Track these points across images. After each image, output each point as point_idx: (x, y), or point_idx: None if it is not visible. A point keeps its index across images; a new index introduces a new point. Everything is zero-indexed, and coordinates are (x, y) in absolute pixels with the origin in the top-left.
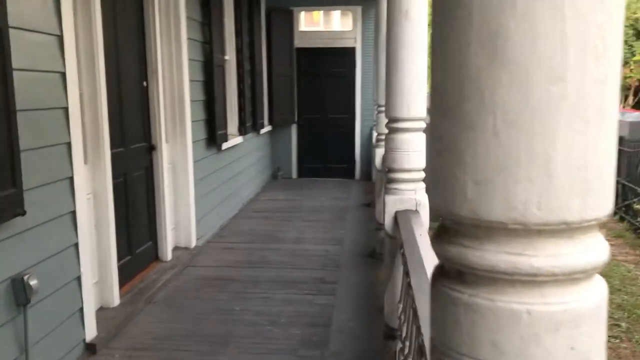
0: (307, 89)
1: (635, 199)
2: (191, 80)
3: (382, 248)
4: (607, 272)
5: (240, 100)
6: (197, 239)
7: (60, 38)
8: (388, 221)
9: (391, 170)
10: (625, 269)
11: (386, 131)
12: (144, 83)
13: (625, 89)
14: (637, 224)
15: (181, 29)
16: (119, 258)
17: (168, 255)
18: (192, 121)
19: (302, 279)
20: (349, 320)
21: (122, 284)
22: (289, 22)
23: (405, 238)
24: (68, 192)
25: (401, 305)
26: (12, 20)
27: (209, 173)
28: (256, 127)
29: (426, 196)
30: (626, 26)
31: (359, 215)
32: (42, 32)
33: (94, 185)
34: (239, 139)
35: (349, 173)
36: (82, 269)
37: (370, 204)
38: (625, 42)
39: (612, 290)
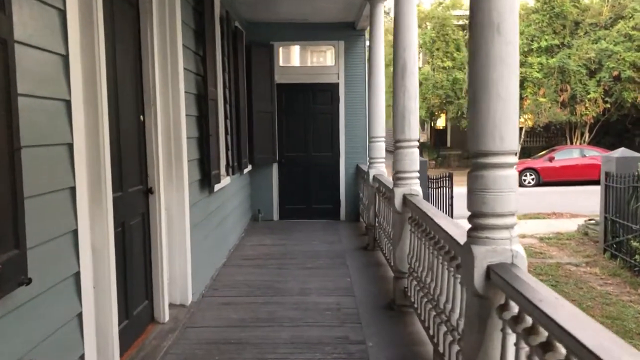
0: (288, 126)
1: (630, 236)
2: (187, 115)
3: (404, 299)
4: (617, 315)
5: (227, 138)
6: (192, 293)
7: (66, 58)
8: (478, 278)
9: (480, 215)
10: (634, 310)
11: (379, 156)
12: (141, 117)
13: (581, 126)
14: (633, 262)
15: (178, 57)
16: (118, 323)
17: (165, 315)
18: (188, 160)
19: (323, 338)
20: None
21: (120, 354)
22: (269, 57)
23: (526, 307)
24: (71, 248)
25: None
26: (16, 32)
27: (202, 218)
28: (241, 166)
29: (521, 247)
30: (579, 66)
31: (360, 261)
32: (46, 49)
33: (93, 237)
34: (227, 180)
35: (334, 214)
36: (86, 347)
37: (367, 247)
38: (579, 81)
39: (631, 335)
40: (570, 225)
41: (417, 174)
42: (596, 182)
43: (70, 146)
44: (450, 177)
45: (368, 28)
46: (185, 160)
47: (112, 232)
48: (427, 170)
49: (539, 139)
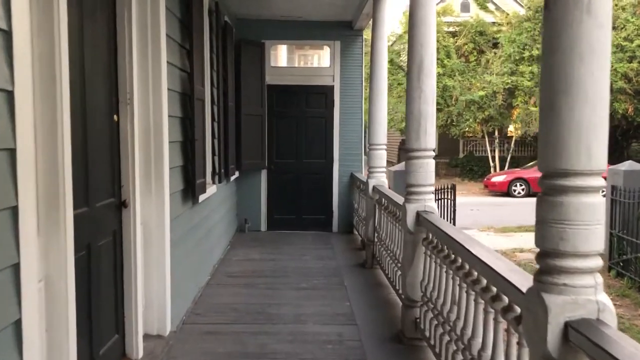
0: (279, 130)
1: (639, 254)
2: (170, 116)
3: (414, 332)
4: None
5: (214, 143)
6: (172, 320)
7: (8, 35)
8: (552, 339)
9: (554, 254)
10: None
11: (380, 165)
12: (115, 117)
13: None
14: None
15: (161, 48)
16: None
17: (139, 350)
18: (170, 168)
19: None
20: None
21: None
22: (260, 56)
23: None
24: (10, 289)
25: None
26: None
27: (185, 232)
28: (227, 173)
29: (608, 298)
30: None
31: (359, 280)
32: None
33: (47, 266)
34: (213, 189)
35: (325, 225)
36: None
37: (365, 264)
38: None
39: None
40: None
41: (432, 188)
42: None
43: (11, 152)
44: (454, 188)
45: (366, 28)
46: (166, 167)
47: (72, 259)
48: None
49: (527, 148)
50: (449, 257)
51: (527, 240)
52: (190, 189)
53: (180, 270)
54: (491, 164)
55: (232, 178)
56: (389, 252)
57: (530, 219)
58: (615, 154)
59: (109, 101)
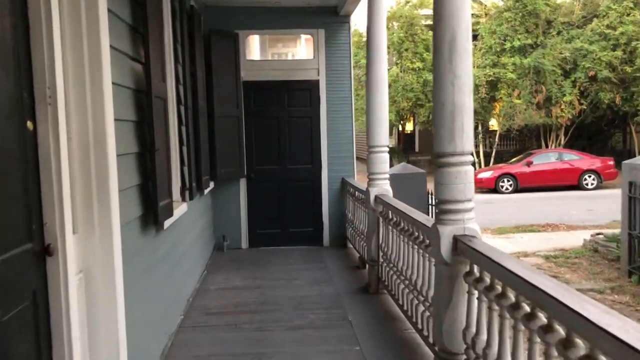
0: (258, 133)
1: None
2: (117, 120)
3: None
4: None
5: (182, 151)
6: None
7: None
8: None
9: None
10: None
11: (382, 171)
12: (29, 124)
13: (556, 128)
14: None
15: (100, 26)
16: None
17: None
18: (120, 190)
19: None
20: None
21: None
22: (234, 49)
23: None
24: None
25: None
26: None
27: (146, 270)
28: (201, 186)
29: None
30: (554, 66)
31: (365, 313)
32: None
33: None
34: (183, 207)
35: (315, 239)
36: None
37: (368, 289)
38: (555, 81)
39: None
40: (571, 240)
41: (473, 204)
42: (574, 187)
43: None
44: None
45: (353, 13)
46: (114, 189)
47: None
48: (425, 183)
49: (511, 142)
50: (516, 307)
51: (528, 242)
52: (151, 213)
53: (141, 321)
54: (475, 159)
55: (207, 191)
56: (403, 279)
57: (523, 217)
58: (599, 144)
59: (16, 100)
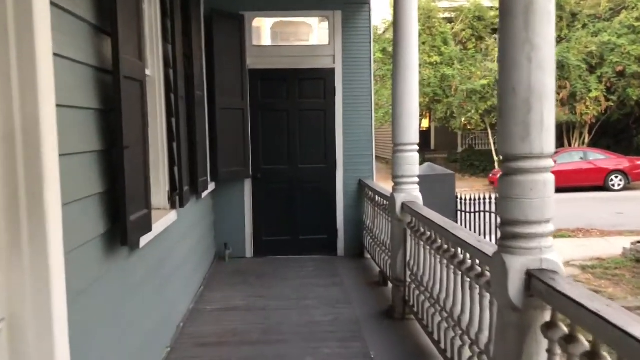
0: (266, 128)
1: None
2: (62, 107)
3: None
4: None
5: (172, 148)
6: None
7: None
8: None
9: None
10: None
11: (410, 174)
12: None
13: (580, 126)
14: None
15: None
16: None
17: None
18: (65, 204)
19: None
20: None
21: None
22: (239, 33)
23: None
24: None
25: None
26: None
27: (113, 304)
28: (197, 189)
29: None
30: (579, 60)
31: (391, 347)
32: None
33: None
34: (171, 217)
35: (329, 248)
36: None
37: (393, 313)
38: (580, 77)
39: None
40: (607, 247)
41: (551, 227)
42: (599, 188)
43: None
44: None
45: None
46: (53, 202)
47: None
48: (455, 185)
49: None
50: None
51: (560, 249)
52: (121, 230)
53: None
54: (495, 158)
55: (205, 194)
56: (440, 309)
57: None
58: (624, 143)
59: None
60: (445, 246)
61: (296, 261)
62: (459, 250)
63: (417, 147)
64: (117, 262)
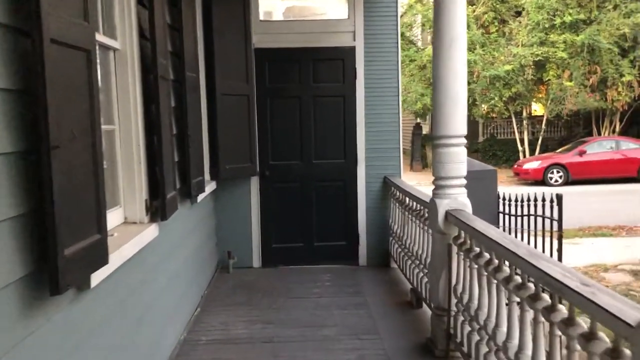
0: (275, 117)
1: None
2: None
3: None
4: None
5: (153, 141)
6: None
7: None
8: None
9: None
10: None
11: (456, 176)
12: None
13: (611, 113)
14: None
15: None
16: None
17: None
18: None
19: None
20: None
21: None
22: (243, 6)
23: None
24: None
25: None
26: None
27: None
28: (189, 192)
29: None
30: (610, 43)
31: None
32: None
33: None
34: (149, 233)
35: (348, 256)
36: None
37: (432, 348)
38: (611, 61)
39: None
40: None
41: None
42: (632, 180)
43: None
44: (559, 199)
45: None
46: None
47: None
48: (496, 183)
49: (556, 129)
50: None
51: (603, 251)
52: (50, 269)
53: None
54: (519, 148)
55: (203, 196)
56: (503, 358)
57: (583, 215)
58: None
59: None
60: (519, 279)
61: (311, 272)
62: (540, 287)
63: (464, 141)
64: (59, 309)
